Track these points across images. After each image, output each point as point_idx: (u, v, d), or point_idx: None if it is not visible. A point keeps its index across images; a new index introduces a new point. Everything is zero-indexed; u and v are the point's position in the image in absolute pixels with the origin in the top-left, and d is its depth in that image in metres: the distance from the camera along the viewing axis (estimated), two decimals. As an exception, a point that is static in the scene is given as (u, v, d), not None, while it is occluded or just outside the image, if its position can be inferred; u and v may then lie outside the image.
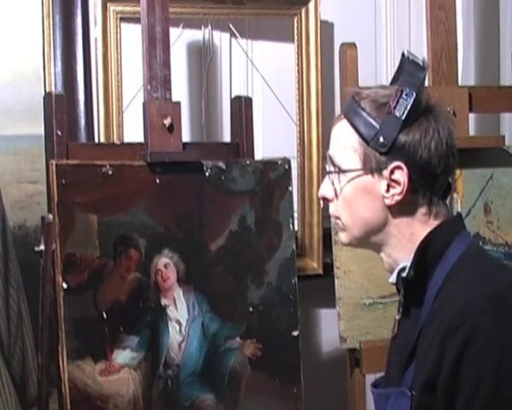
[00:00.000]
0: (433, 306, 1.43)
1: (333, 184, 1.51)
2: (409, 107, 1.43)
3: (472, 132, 2.69)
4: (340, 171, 1.49)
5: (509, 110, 2.73)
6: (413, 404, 1.41)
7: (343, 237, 1.54)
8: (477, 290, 1.38)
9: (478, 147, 2.54)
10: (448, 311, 1.37)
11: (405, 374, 1.46)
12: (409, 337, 1.47)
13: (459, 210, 2.53)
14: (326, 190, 1.53)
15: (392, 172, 1.45)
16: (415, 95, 1.43)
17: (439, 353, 1.36)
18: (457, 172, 2.54)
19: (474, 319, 1.33)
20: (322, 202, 1.58)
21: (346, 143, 1.48)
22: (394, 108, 1.44)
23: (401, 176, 1.44)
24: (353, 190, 1.48)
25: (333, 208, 1.53)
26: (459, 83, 2.57)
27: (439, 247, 1.47)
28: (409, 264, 1.47)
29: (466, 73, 2.89)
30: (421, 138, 1.45)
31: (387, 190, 1.46)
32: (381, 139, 1.44)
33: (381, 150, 1.45)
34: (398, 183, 1.45)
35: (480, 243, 2.54)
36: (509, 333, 1.33)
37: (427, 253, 1.46)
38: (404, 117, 1.43)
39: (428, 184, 1.47)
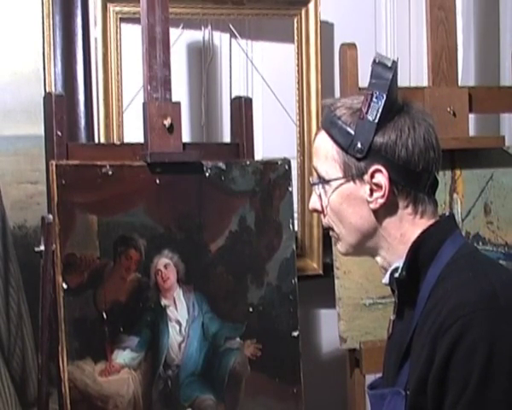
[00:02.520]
0: (427, 306, 1.43)
1: (320, 195, 1.52)
2: (380, 109, 1.44)
3: (472, 133, 2.69)
4: (324, 181, 1.50)
5: (509, 110, 2.73)
6: (407, 404, 1.41)
7: (339, 246, 1.56)
8: (470, 290, 1.37)
9: (478, 147, 2.55)
10: (441, 311, 1.37)
11: (400, 374, 1.46)
12: (403, 337, 1.47)
13: (459, 210, 2.53)
14: (316, 202, 1.54)
15: (372, 176, 1.45)
16: (385, 96, 1.44)
17: (429, 353, 1.36)
18: (457, 172, 2.54)
19: (465, 318, 1.33)
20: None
21: (326, 154, 1.50)
22: (366, 112, 1.45)
23: (382, 179, 1.45)
24: (339, 199, 1.49)
25: (325, 220, 1.54)
26: (459, 83, 2.57)
27: (431, 247, 1.47)
28: (401, 264, 1.47)
29: (466, 73, 2.89)
30: (397, 138, 1.45)
31: (371, 195, 1.47)
32: (359, 145, 1.45)
33: (359, 156, 1.46)
34: (379, 186, 1.45)
35: (480, 243, 2.54)
36: (500, 334, 1.33)
37: (419, 253, 1.46)
38: (377, 120, 1.44)
39: (411, 183, 1.47)
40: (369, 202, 1.47)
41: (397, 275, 1.47)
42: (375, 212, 1.48)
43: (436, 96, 2.49)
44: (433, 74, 2.52)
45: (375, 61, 1.47)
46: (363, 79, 2.38)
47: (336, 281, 2.40)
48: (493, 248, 2.56)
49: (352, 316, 2.40)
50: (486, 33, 2.94)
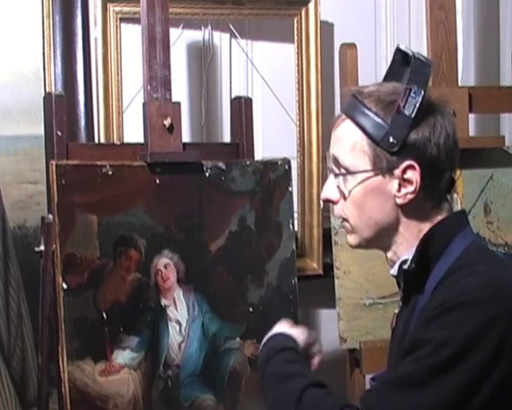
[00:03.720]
0: (430, 300, 1.42)
1: (338, 186, 1.49)
2: (418, 105, 1.43)
3: (472, 133, 2.70)
4: (349, 173, 1.47)
5: (509, 110, 2.73)
6: None
7: (351, 239, 1.52)
8: (479, 278, 1.38)
9: (478, 147, 2.54)
10: (444, 295, 1.37)
11: None
12: (405, 329, 1.47)
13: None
14: (330, 191, 1.50)
15: (404, 171, 1.44)
16: (423, 92, 1.43)
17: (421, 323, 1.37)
18: (457, 172, 2.54)
19: (468, 296, 1.33)
20: (322, 203, 1.58)
21: (353, 145, 1.46)
22: (403, 106, 1.43)
23: (413, 175, 1.44)
24: (363, 192, 1.46)
25: (339, 210, 1.51)
26: (459, 83, 2.58)
27: (441, 241, 1.47)
28: (411, 256, 1.46)
29: (466, 73, 2.89)
30: (431, 135, 1.44)
31: (399, 190, 1.45)
32: (391, 139, 1.43)
33: (392, 150, 1.44)
34: (410, 182, 1.44)
35: (480, 243, 2.54)
36: (501, 321, 1.32)
37: (429, 246, 1.46)
38: (413, 115, 1.43)
39: (437, 180, 1.47)
40: (396, 197, 1.45)
41: (406, 267, 1.46)
42: (400, 207, 1.46)
43: (436, 96, 2.49)
44: (433, 74, 2.51)
45: (414, 55, 1.45)
46: (363, 79, 2.40)
47: (336, 281, 2.40)
48: (493, 248, 2.56)
49: (352, 316, 2.40)
50: (486, 33, 2.95)
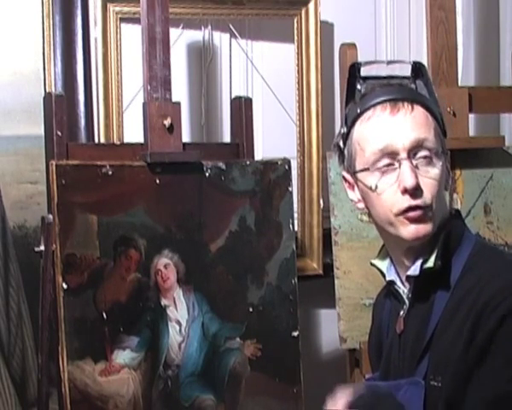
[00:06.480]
0: (454, 297, 1.43)
1: (423, 169, 1.46)
2: None
3: (472, 133, 2.69)
4: (437, 154, 1.46)
5: (509, 110, 2.73)
6: (443, 393, 1.41)
7: (429, 227, 1.46)
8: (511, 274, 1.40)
9: (478, 147, 2.55)
10: (480, 296, 1.38)
11: (420, 365, 1.46)
12: (421, 331, 1.47)
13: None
14: (416, 178, 1.45)
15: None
16: None
17: (471, 333, 1.37)
18: (457, 172, 2.54)
19: None
20: (407, 195, 1.46)
21: (435, 129, 1.49)
22: None
23: (448, 162, 1.51)
24: (443, 174, 1.48)
25: (424, 198, 1.45)
26: (459, 83, 2.57)
27: (457, 238, 1.49)
28: (434, 254, 1.47)
29: (466, 73, 2.89)
30: None
31: (448, 176, 1.51)
32: (444, 127, 1.50)
33: (445, 137, 1.51)
34: (448, 169, 1.51)
35: (480, 243, 2.54)
36: None
37: (449, 244, 1.47)
38: None
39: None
40: (446, 184, 1.50)
41: (431, 265, 1.46)
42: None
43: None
44: (433, 74, 2.52)
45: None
46: (363, 79, 2.40)
47: (336, 281, 2.40)
48: (493, 248, 2.56)
49: (352, 316, 2.40)
50: (486, 33, 2.94)
